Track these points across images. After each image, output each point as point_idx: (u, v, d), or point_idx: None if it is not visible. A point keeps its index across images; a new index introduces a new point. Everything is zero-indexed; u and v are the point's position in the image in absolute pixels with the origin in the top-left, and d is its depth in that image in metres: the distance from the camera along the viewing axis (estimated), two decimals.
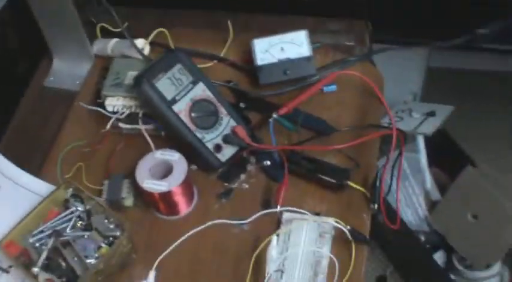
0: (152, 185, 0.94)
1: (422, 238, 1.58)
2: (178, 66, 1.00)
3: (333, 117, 1.05)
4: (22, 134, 1.11)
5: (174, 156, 0.96)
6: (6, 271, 0.94)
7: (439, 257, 1.56)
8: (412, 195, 1.60)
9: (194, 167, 1.02)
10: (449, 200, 1.53)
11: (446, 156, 1.64)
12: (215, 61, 1.15)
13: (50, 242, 0.90)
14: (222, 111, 1.01)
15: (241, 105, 1.09)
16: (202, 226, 0.95)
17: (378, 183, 0.95)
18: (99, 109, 1.04)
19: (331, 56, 1.13)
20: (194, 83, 1.00)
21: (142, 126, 1.03)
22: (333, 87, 1.09)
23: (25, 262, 0.90)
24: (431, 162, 1.61)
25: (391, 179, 0.98)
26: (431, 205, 1.59)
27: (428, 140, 1.59)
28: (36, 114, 1.14)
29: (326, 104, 1.08)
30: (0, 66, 1.19)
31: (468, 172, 1.49)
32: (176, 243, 0.93)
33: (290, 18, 1.18)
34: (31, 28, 1.13)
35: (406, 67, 1.73)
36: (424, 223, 1.58)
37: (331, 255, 0.90)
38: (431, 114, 1.58)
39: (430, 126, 1.55)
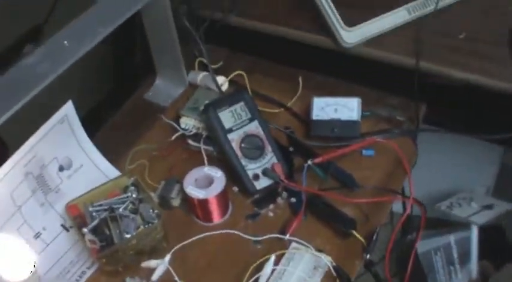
0: (193, 191, 1.15)
1: None
2: (241, 103, 1.22)
3: (362, 177, 1.21)
4: (116, 131, 1.38)
5: (217, 174, 1.17)
6: (67, 229, 1.19)
7: None
8: (453, 280, 1.67)
9: (236, 189, 1.23)
10: None
11: (499, 252, 1.71)
12: (282, 109, 1.35)
13: (104, 214, 1.13)
14: (268, 148, 1.21)
15: (291, 149, 1.27)
16: (222, 231, 1.16)
17: (374, 238, 1.10)
18: (174, 124, 1.28)
19: (380, 126, 1.29)
20: (251, 120, 1.22)
21: (202, 146, 1.25)
22: (371, 152, 1.25)
23: (79, 224, 1.13)
24: (484, 254, 1.69)
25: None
26: None
27: (484, 232, 1.67)
28: (130, 118, 1.40)
29: (360, 165, 1.23)
30: (118, 74, 1.48)
31: (508, 269, 1.56)
32: (194, 238, 1.15)
33: (356, 88, 1.36)
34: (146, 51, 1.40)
35: (482, 160, 1.82)
36: None
37: None
38: (489, 207, 1.67)
39: (483, 217, 1.64)
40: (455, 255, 1.66)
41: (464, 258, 1.65)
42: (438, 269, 1.66)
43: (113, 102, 1.47)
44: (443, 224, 1.69)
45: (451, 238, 1.66)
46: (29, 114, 1.10)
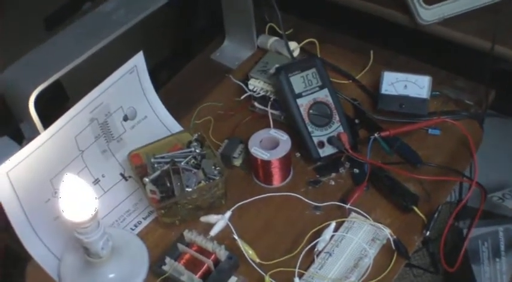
0: (258, 152, 1.15)
1: None
2: (313, 70, 1.20)
3: (427, 155, 1.19)
4: (180, 87, 1.39)
5: (283, 137, 1.17)
6: (125, 179, 1.20)
7: None
8: (497, 271, 1.65)
9: (298, 154, 1.22)
10: None
11: None
12: (350, 80, 1.34)
13: (166, 166, 1.14)
14: (336, 117, 1.20)
15: (356, 121, 1.26)
16: (283, 193, 1.16)
17: (436, 215, 1.09)
18: (242, 84, 1.28)
19: (447, 107, 1.27)
20: (321, 87, 1.20)
21: (269, 109, 1.25)
22: (437, 131, 1.23)
23: (141, 173, 1.14)
24: None
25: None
26: None
27: None
28: (195, 76, 1.41)
29: (425, 144, 1.22)
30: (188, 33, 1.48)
31: None
32: (255, 198, 1.15)
33: (425, 66, 1.34)
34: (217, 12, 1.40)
35: None
36: None
37: (373, 257, 1.05)
38: None
39: None
40: (502, 246, 1.64)
41: (511, 250, 1.63)
42: (483, 259, 1.64)
43: (176, 64, 1.47)
44: (492, 216, 1.67)
45: (500, 229, 1.64)
46: (92, 67, 1.12)
